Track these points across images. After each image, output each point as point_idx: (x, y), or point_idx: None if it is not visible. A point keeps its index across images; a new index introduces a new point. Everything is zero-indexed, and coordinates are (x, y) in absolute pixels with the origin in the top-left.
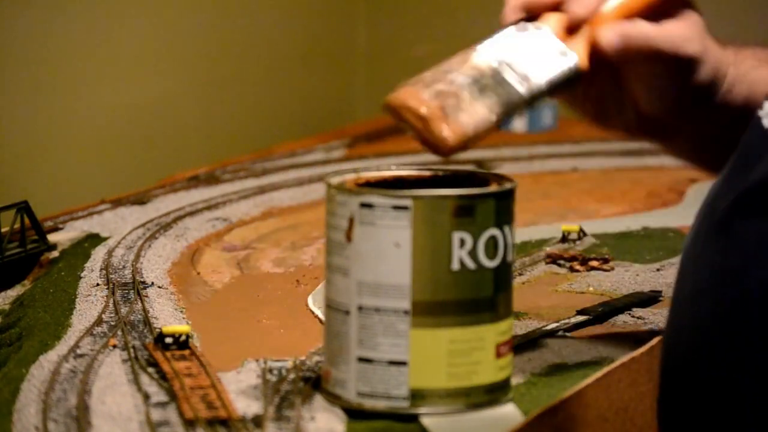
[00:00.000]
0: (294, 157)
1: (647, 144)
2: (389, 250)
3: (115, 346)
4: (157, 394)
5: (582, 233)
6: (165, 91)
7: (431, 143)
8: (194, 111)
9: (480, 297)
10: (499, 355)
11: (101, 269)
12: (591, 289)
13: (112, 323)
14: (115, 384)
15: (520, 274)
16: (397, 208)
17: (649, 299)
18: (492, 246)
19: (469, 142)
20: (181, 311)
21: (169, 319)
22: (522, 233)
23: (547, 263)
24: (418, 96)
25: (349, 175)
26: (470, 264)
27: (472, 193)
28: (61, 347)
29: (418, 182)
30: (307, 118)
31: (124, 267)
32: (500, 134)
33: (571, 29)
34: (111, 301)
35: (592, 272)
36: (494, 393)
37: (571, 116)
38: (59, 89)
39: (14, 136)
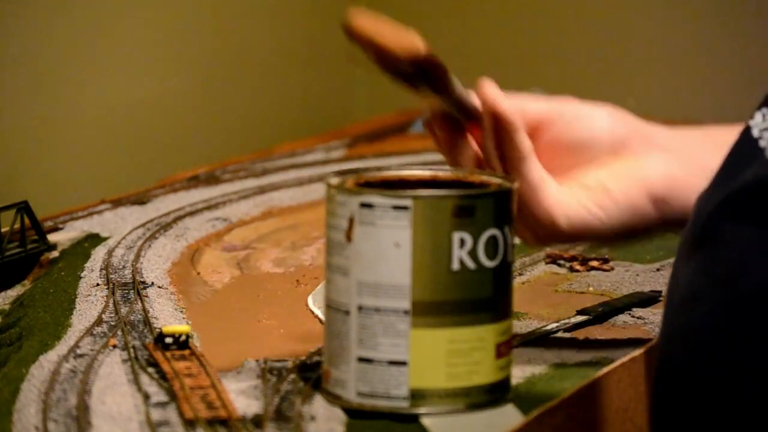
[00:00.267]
0: (294, 157)
1: None
2: (389, 250)
3: (115, 346)
4: (157, 394)
5: None
6: (165, 91)
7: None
8: (194, 111)
9: (480, 297)
10: (499, 355)
11: (101, 269)
12: (591, 289)
13: (112, 323)
14: (115, 384)
15: (520, 274)
16: (397, 208)
17: (649, 299)
18: (492, 246)
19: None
20: (181, 311)
21: (169, 319)
22: None
23: (547, 263)
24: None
25: (349, 175)
26: (470, 264)
27: (472, 193)
28: (61, 347)
29: (418, 182)
30: (307, 118)
31: (124, 267)
32: None
33: None
34: (111, 301)
35: (592, 272)
36: (494, 393)
37: None
38: (59, 89)
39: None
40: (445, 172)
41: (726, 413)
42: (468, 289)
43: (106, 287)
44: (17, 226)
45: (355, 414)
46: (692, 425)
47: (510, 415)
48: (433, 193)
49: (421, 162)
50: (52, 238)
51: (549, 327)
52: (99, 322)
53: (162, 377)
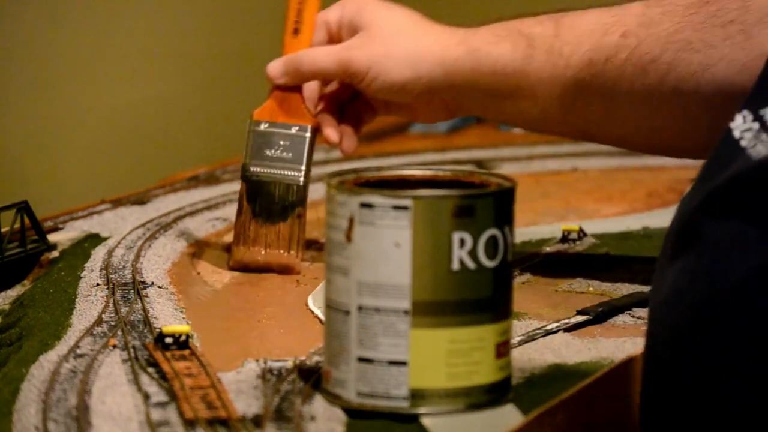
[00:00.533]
0: None
1: None
2: (389, 250)
3: (115, 346)
4: (157, 394)
5: (582, 233)
6: (165, 91)
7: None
8: (194, 111)
9: (480, 297)
10: (499, 355)
11: (101, 269)
12: (591, 289)
13: (112, 323)
14: (115, 384)
15: (520, 274)
16: (397, 208)
17: (649, 300)
18: (492, 246)
19: None
20: (181, 311)
21: (169, 319)
22: (522, 233)
23: (547, 263)
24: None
25: (349, 175)
26: (470, 264)
27: (472, 193)
28: (61, 347)
29: (418, 182)
30: None
31: (124, 267)
32: (500, 134)
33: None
34: (111, 301)
35: (592, 272)
36: (494, 393)
37: None
38: (59, 89)
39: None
40: (445, 172)
41: (715, 415)
42: (468, 289)
43: (106, 287)
44: (17, 226)
45: (355, 414)
46: (680, 424)
47: (510, 415)
48: (433, 193)
49: (421, 162)
50: (52, 238)
51: (549, 327)
52: (99, 322)
53: (162, 377)
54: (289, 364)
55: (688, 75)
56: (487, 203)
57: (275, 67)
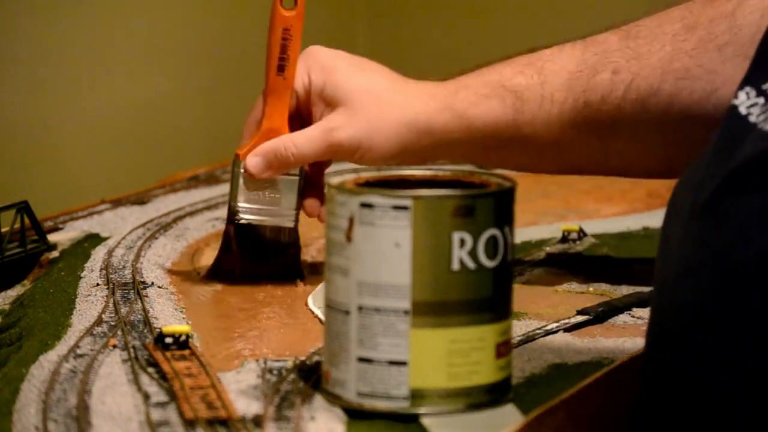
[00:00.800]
0: None
1: None
2: (389, 250)
3: (115, 346)
4: (157, 394)
5: (582, 233)
6: (165, 91)
7: None
8: (194, 111)
9: (480, 297)
10: (499, 355)
11: (101, 269)
12: (591, 289)
13: (112, 323)
14: (115, 384)
15: (520, 274)
16: (397, 208)
17: (649, 299)
18: (492, 246)
19: None
20: (181, 311)
21: (169, 319)
22: (522, 233)
23: (547, 263)
24: None
25: (349, 175)
26: (470, 264)
27: (472, 193)
28: (61, 347)
29: (418, 182)
30: None
31: (124, 267)
32: None
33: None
34: (111, 301)
35: (592, 272)
36: (494, 393)
37: None
38: (59, 89)
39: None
40: (445, 172)
41: (714, 414)
42: (468, 289)
43: (106, 287)
44: (17, 226)
45: (355, 414)
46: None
47: (510, 415)
48: (433, 193)
49: None
50: (52, 238)
51: (549, 327)
52: (99, 322)
53: (162, 377)
54: (289, 364)
55: (692, 103)
56: (487, 203)
57: (256, 164)
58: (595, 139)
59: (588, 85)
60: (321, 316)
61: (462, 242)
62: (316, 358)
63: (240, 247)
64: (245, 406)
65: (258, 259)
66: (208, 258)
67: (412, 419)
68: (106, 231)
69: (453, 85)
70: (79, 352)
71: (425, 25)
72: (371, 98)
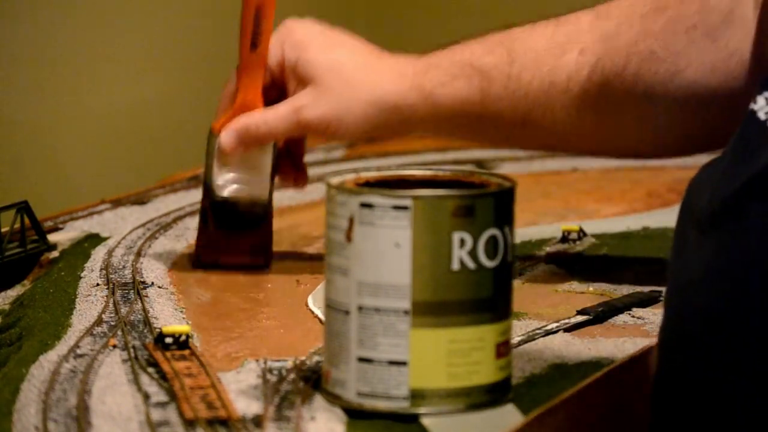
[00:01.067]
0: None
1: None
2: (389, 250)
3: (115, 346)
4: (157, 394)
5: (582, 233)
6: (165, 91)
7: None
8: (194, 111)
9: (480, 297)
10: (499, 355)
11: (101, 269)
12: (591, 289)
13: (112, 323)
14: (115, 384)
15: (520, 274)
16: (397, 208)
17: (649, 299)
18: (492, 246)
19: None
20: (181, 311)
21: (169, 319)
22: (522, 233)
23: (547, 263)
24: None
25: (349, 175)
26: (470, 264)
27: (472, 193)
28: (61, 347)
29: (418, 182)
30: None
31: (124, 267)
32: None
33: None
34: (111, 301)
35: (592, 272)
36: (494, 393)
37: None
38: (60, 89)
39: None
40: (445, 172)
41: (717, 414)
42: (468, 289)
43: (106, 287)
44: (17, 226)
45: (355, 414)
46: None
47: (510, 415)
48: (433, 193)
49: (421, 162)
50: (52, 238)
51: (549, 327)
52: (99, 322)
53: (162, 377)
54: (289, 364)
55: (656, 83)
56: (487, 203)
57: (229, 141)
58: (564, 117)
59: (555, 64)
60: (321, 316)
61: (462, 242)
62: (316, 358)
63: (217, 221)
64: (245, 406)
65: (233, 233)
66: None
67: (412, 419)
68: (106, 231)
69: (424, 63)
70: (79, 352)
71: (425, 25)
72: (341, 77)
